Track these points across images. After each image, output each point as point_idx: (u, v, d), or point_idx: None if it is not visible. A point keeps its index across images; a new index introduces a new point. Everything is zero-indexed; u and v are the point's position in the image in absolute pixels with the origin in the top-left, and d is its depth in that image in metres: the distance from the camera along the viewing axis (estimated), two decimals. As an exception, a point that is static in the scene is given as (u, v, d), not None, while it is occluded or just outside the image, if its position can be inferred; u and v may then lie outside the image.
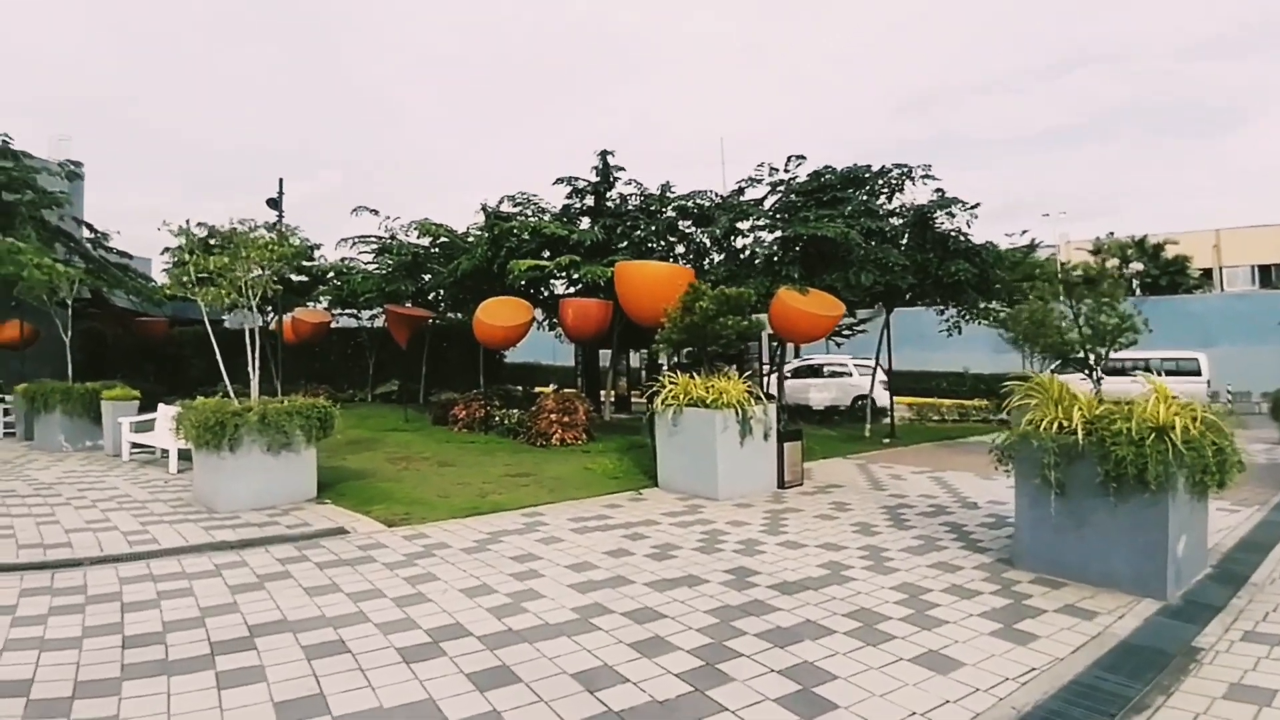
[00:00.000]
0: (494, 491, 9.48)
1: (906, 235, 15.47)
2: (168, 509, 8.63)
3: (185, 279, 9.23)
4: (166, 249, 9.21)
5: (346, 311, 24.49)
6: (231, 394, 9.54)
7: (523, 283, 15.37)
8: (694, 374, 9.55)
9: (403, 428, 16.43)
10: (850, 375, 21.31)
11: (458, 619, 4.88)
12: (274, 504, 8.75)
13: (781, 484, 9.58)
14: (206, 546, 6.89)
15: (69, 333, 15.60)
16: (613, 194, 17.62)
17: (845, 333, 22.64)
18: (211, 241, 9.20)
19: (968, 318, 16.72)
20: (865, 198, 15.42)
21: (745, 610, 5.04)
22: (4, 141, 19.35)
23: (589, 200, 17.69)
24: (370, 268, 21.24)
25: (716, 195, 16.21)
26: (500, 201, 17.31)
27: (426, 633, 4.64)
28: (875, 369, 21.52)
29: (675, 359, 21.95)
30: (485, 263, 15.90)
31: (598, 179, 17.19)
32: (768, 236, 14.94)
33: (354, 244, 21.38)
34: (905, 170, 15.20)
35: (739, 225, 15.61)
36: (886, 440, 14.96)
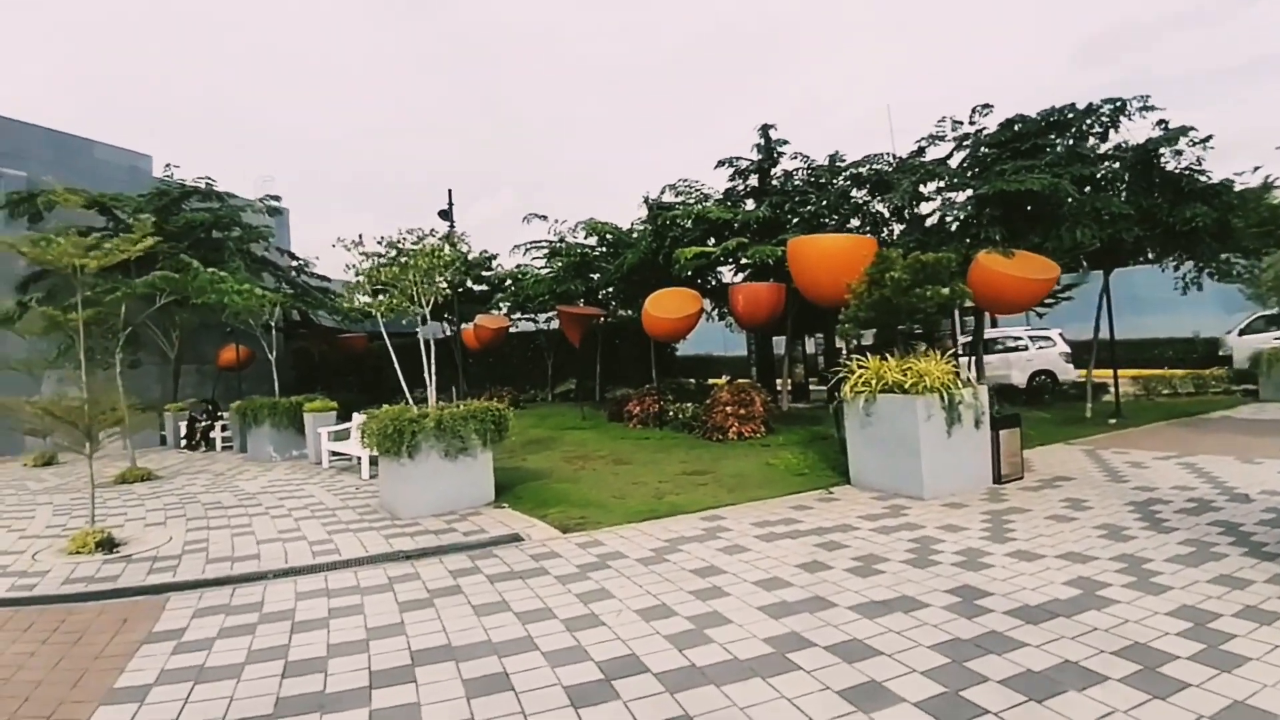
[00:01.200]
0: (671, 492, 8.91)
1: (1126, 180, 13.20)
2: (355, 516, 8.80)
3: (360, 291, 9.41)
4: (348, 266, 9.36)
5: (525, 316, 25.22)
6: (411, 401, 9.64)
7: (689, 272, 14.73)
8: (885, 356, 8.45)
9: (580, 425, 16.39)
10: (1026, 349, 18.92)
11: (633, 648, 4.28)
12: (453, 509, 8.69)
13: (998, 478, 8.25)
14: (382, 557, 6.81)
15: (274, 352, 16.91)
16: (777, 171, 16.57)
17: (1048, 300, 20.09)
18: (383, 252, 9.30)
19: (1209, 272, 14.14)
20: (1071, 142, 13.35)
21: (981, 646, 4.03)
22: (208, 184, 21.44)
23: (753, 180, 16.74)
24: (542, 272, 21.58)
25: (894, 157, 14.71)
26: (662, 192, 16.82)
27: (598, 666, 4.07)
28: (1055, 340, 18.99)
29: (855, 342, 20.59)
30: (650, 255, 15.46)
31: (760, 156, 16.20)
32: (959, 197, 13.27)
33: (527, 250, 21.88)
34: (1118, 104, 12.95)
35: (922, 189, 14.05)
36: (1112, 420, 12.88)
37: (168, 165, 23.89)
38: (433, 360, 9.57)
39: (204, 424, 18.34)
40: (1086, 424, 12.68)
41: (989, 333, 21.39)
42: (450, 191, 13.07)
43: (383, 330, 9.87)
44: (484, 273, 26.12)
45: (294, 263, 25.37)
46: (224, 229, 21.62)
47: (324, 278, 26.15)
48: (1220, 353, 19.38)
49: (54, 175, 19.32)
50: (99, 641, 5.12)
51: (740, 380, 15.10)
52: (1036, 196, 11.76)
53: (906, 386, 7.61)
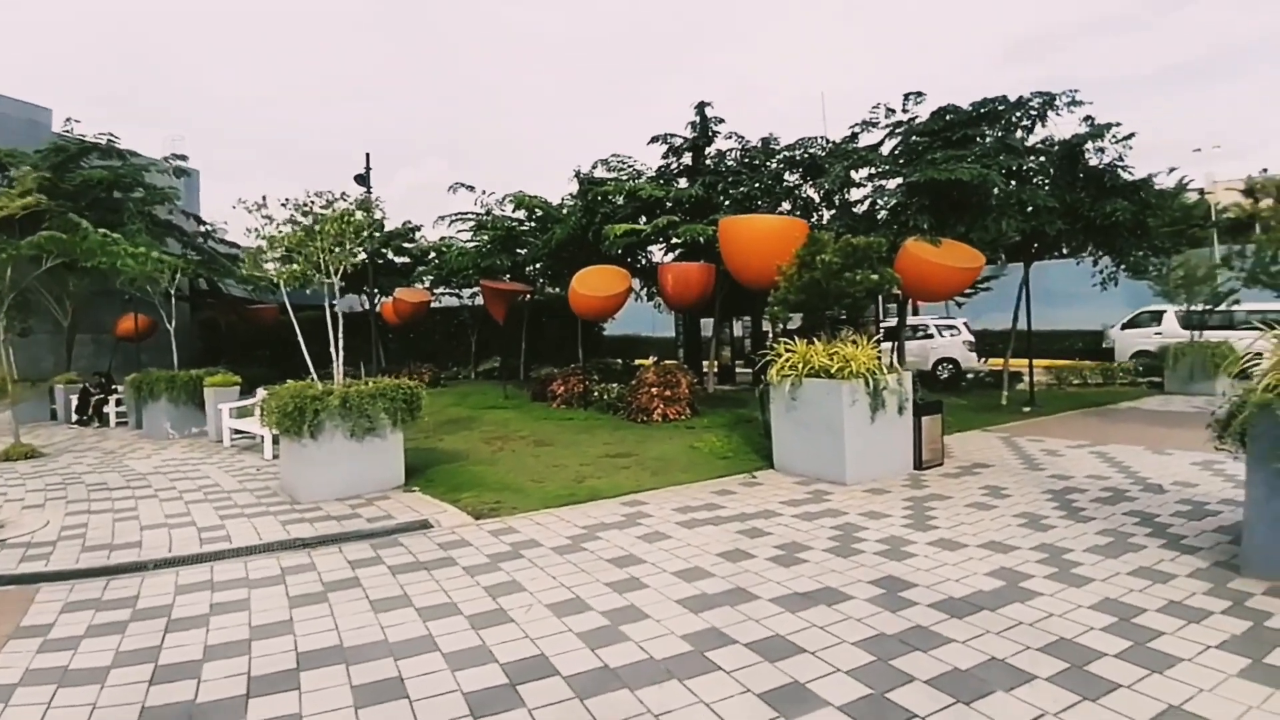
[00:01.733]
0: (592, 475, 8.62)
1: (1051, 174, 13.49)
2: (252, 499, 8.22)
3: (262, 258, 8.74)
4: (249, 230, 8.66)
5: (448, 291, 24.46)
6: (315, 377, 9.04)
7: (619, 250, 14.43)
8: (812, 340, 8.34)
9: (501, 405, 15.93)
10: (931, 336, 19.47)
11: (542, 648, 3.97)
12: (359, 493, 8.19)
13: (919, 464, 8.27)
14: (277, 546, 6.31)
15: (173, 321, 15.82)
16: (712, 150, 16.35)
17: (968, 290, 20.62)
18: (290, 216, 8.63)
19: (1123, 267, 14.66)
20: (1000, 134, 13.54)
21: (906, 642, 3.89)
22: (109, 140, 19.94)
23: (686, 159, 16.47)
24: (468, 245, 20.89)
25: (828, 142, 14.65)
26: (594, 166, 16.38)
27: (503, 669, 3.75)
28: (960, 330, 19.56)
29: (782, 325, 20.67)
30: (579, 231, 15.05)
31: (695, 134, 15.92)
32: (890, 184, 13.31)
33: (451, 222, 21.11)
34: (1047, 98, 13.19)
35: (854, 175, 14.06)
36: (1026, 409, 13.23)
37: (67, 120, 22.11)
38: (339, 334, 9.00)
39: (97, 397, 17.10)
40: (1002, 411, 12.98)
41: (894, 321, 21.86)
42: (368, 156, 12.34)
43: (286, 301, 9.21)
44: (406, 244, 25.20)
45: (201, 228, 23.89)
46: (125, 189, 20.14)
47: (233, 244, 24.68)
48: (1104, 345, 20.24)
49: None
50: None
51: (667, 361, 14.91)
52: (965, 186, 11.85)
53: (833, 371, 7.50)
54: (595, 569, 5.26)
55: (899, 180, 13.15)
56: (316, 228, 8.51)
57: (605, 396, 14.30)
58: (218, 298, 25.76)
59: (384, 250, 25.85)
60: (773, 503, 6.98)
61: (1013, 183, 12.70)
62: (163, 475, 9.97)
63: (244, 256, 9.06)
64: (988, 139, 13.37)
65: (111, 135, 20.22)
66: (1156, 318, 18.94)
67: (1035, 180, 13.35)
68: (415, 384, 8.82)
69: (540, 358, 22.52)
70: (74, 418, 17.33)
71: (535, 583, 5.03)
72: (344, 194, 8.86)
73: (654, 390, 12.61)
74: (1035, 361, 14.84)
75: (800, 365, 7.82)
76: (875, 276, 7.95)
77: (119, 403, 16.66)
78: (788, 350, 8.14)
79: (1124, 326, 19.73)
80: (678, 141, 16.15)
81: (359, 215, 8.72)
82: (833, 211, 15.03)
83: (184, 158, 21.76)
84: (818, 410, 7.72)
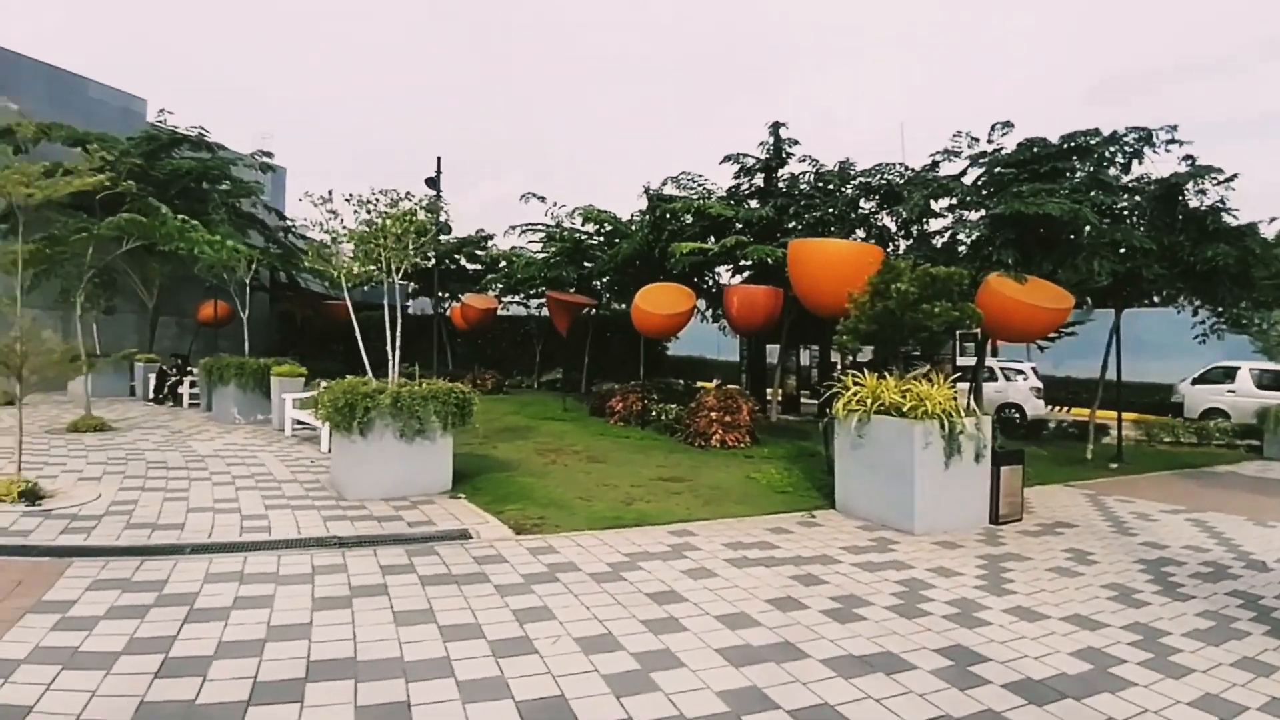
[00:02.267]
0: (641, 498, 8.27)
1: (1147, 214, 12.60)
2: (300, 491, 8.17)
3: (325, 252, 8.74)
4: (312, 223, 8.70)
5: (517, 300, 24.58)
6: (370, 374, 8.99)
7: (685, 269, 14.09)
8: (883, 374, 7.83)
9: (560, 417, 15.75)
10: (995, 379, 18.37)
11: (564, 688, 3.62)
12: (404, 495, 8.04)
13: (995, 518, 7.63)
14: (313, 542, 6.17)
15: (246, 310, 16.21)
16: (784, 173, 15.90)
17: (1052, 335, 19.54)
18: (354, 211, 8.62)
19: (1224, 319, 13.62)
20: (1091, 168, 12.74)
21: (976, 728, 3.41)
22: (200, 133, 20.69)
23: (758, 180, 16.06)
24: (538, 256, 20.93)
25: (907, 169, 14.06)
26: (663, 184, 16.15)
27: (518, 708, 3.41)
28: (1027, 374, 18.38)
29: (851, 357, 19.96)
30: (646, 247, 14.83)
31: (768, 155, 15.51)
32: (972, 216, 12.66)
33: (522, 231, 21.21)
34: (1143, 134, 12.33)
35: (933, 205, 13.44)
36: (1114, 465, 12.28)
37: (161, 110, 23.13)
38: (398, 334, 8.92)
39: (173, 379, 17.64)
40: (1086, 466, 12.07)
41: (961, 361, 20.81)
42: (439, 160, 12.35)
43: (347, 297, 9.19)
44: (478, 251, 25.46)
45: (282, 222, 24.62)
46: (213, 181, 20.90)
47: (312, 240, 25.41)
48: (1173, 399, 18.83)
49: (45, 111, 18.61)
50: None
51: (729, 386, 14.48)
52: (1054, 222, 11.13)
53: (905, 410, 6.97)
54: (633, 603, 4.89)
55: (982, 212, 12.49)
56: (379, 224, 8.47)
57: (664, 417, 13.95)
58: (296, 291, 26.50)
59: (456, 256, 26.23)
60: (832, 547, 6.48)
61: (1106, 221, 11.88)
62: (220, 459, 10.08)
63: (308, 250, 9.08)
64: (1078, 174, 12.60)
65: (203, 129, 21.04)
66: (1230, 374, 17.56)
67: (1130, 220, 12.48)
68: (468, 389, 8.65)
69: (602, 372, 22.33)
70: (150, 396, 17.93)
71: (567, 611, 4.69)
72: (408, 194, 8.81)
73: (713, 415, 12.20)
74: (1124, 415, 13.83)
75: (869, 401, 7.32)
76: (955, 311, 7.40)
77: (193, 385, 17.14)
78: (856, 384, 7.64)
79: (1195, 381, 18.33)
80: (750, 162, 15.78)
81: (422, 215, 8.64)
82: (909, 242, 14.41)
83: (269, 154, 22.46)
84: (886, 451, 7.20)
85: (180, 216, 14.10)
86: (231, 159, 21.26)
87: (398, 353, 8.97)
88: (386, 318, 8.98)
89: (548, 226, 20.05)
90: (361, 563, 5.67)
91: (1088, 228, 11.53)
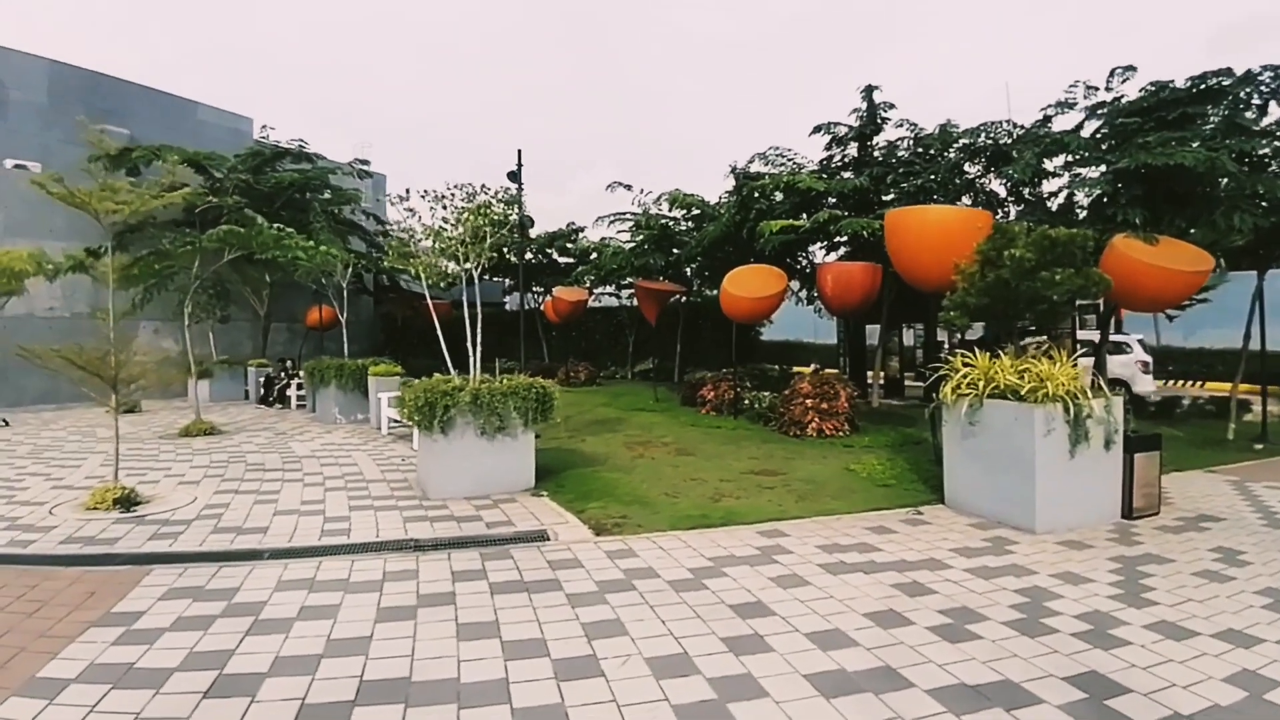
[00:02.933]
0: (731, 494, 7.80)
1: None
2: (386, 491, 8.14)
3: (404, 250, 8.66)
4: (394, 223, 8.64)
5: (608, 291, 24.47)
6: (452, 371, 8.88)
7: (774, 248, 13.42)
8: (995, 353, 7.04)
9: (651, 407, 15.42)
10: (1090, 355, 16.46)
11: (629, 720, 3.24)
12: (487, 493, 7.88)
13: (1128, 513, 6.73)
14: (391, 545, 6.04)
15: (344, 313, 16.63)
16: (880, 140, 14.89)
17: (1183, 302, 17.54)
18: (431, 210, 8.50)
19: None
20: (1226, 112, 11.25)
21: (1125, 784, 2.80)
22: (300, 146, 21.43)
23: (851, 150, 15.09)
24: (625, 245, 20.66)
25: (1016, 126, 12.86)
26: (750, 161, 15.45)
27: (577, 745, 3.06)
28: (1133, 347, 16.39)
29: (959, 335, 18.66)
30: (733, 228, 14.23)
31: (862, 122, 14.54)
32: (1091, 173, 11.41)
33: (611, 222, 20.99)
34: (1281, 71, 10.78)
35: (1046, 164, 12.23)
36: (1259, 446, 10.85)
37: (263, 126, 24.15)
38: (478, 329, 8.75)
39: (280, 382, 18.39)
40: (1228, 448, 10.71)
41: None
42: (519, 152, 12.14)
43: (425, 292, 9.11)
44: (568, 244, 25.45)
45: (381, 227, 25.32)
46: (314, 190, 21.63)
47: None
48: None
49: (157, 134, 19.68)
50: (55, 615, 4.60)
51: (826, 370, 13.73)
52: (1187, 174, 9.83)
53: (1023, 393, 6.19)
54: (713, 617, 4.44)
55: (1103, 168, 11.25)
56: (460, 218, 8.32)
57: (756, 406, 13.38)
58: (398, 292, 27.25)
59: (548, 250, 26.35)
60: (941, 549, 5.82)
61: (1245, 169, 10.44)
62: (316, 459, 10.27)
63: (387, 248, 9.04)
64: (1212, 119, 11.14)
65: (302, 141, 21.78)
66: None
67: (1272, 167, 10.95)
68: (549, 384, 8.39)
69: (696, 360, 21.88)
70: (259, 399, 18.79)
71: (641, 626, 4.30)
72: (483, 186, 8.61)
73: (809, 402, 11.55)
74: (1269, 389, 12.22)
75: (982, 383, 6.57)
76: (1080, 278, 6.51)
77: (299, 387, 17.78)
78: (966, 364, 6.89)
79: None
80: (842, 131, 14.83)
81: (497, 208, 8.42)
82: (1020, 207, 13.22)
83: (366, 162, 23.03)
84: (1002, 439, 6.44)
85: (275, 225, 14.53)
86: (330, 168, 21.93)
87: (479, 349, 8.81)
88: (465, 314, 8.82)
89: (635, 215, 19.75)
90: (434, 568, 5.46)
91: (1225, 179, 10.19)
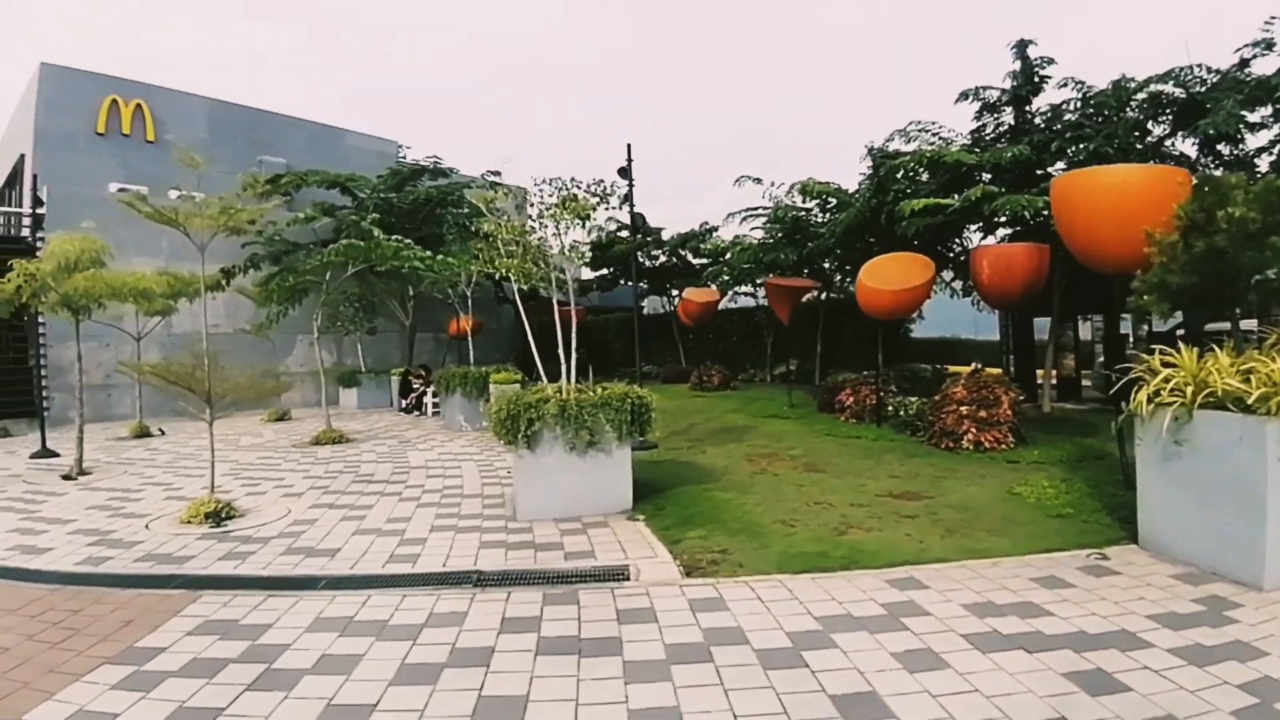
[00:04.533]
0: (859, 524, 6.53)
1: None
2: (476, 509, 7.65)
3: (493, 254, 8.05)
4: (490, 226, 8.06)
5: (745, 291, 23.37)
6: (544, 377, 8.20)
7: (919, 232, 11.79)
8: (1204, 349, 5.38)
9: (784, 414, 14.15)
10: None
11: None
12: (577, 515, 7.09)
13: None
14: (453, 579, 5.43)
15: (469, 320, 16.56)
16: (1040, 104, 12.77)
17: None
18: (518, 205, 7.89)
19: None
20: None
21: None
22: (434, 162, 21.93)
23: (1006, 117, 13.06)
24: (753, 241, 19.42)
25: (1211, 71, 10.54)
26: (889, 139, 13.77)
27: None
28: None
29: (1146, 328, 15.95)
30: (869, 213, 12.70)
31: (1016, 84, 12.50)
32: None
33: (744, 218, 19.80)
34: None
35: (1247, 116, 9.92)
36: None
37: (400, 146, 25.01)
38: (573, 334, 8.00)
39: (417, 389, 18.69)
40: None
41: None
42: (629, 147, 11.28)
43: (516, 299, 8.48)
44: (702, 245, 24.55)
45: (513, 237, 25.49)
46: (451, 205, 22.05)
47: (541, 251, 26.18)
48: None
49: (310, 162, 20.77)
50: (78, 647, 4.30)
51: (988, 370, 11.90)
52: None
53: (1250, 402, 4.57)
54: (806, 712, 3.33)
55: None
56: (546, 213, 7.62)
57: (902, 413, 11.82)
58: (536, 300, 27.42)
59: (681, 251, 25.59)
60: (1135, 615, 4.32)
61: None
62: (425, 470, 10.05)
63: (476, 251, 8.50)
64: None
65: (437, 157, 22.27)
66: None
67: None
68: (645, 393, 7.49)
69: (838, 362, 20.24)
70: (400, 406, 19.23)
71: (712, 714, 3.27)
72: (573, 178, 7.85)
73: (963, 410, 9.92)
74: None
75: (1190, 388, 4.97)
76: None
77: (435, 394, 17.97)
78: (1167, 364, 5.28)
79: None
80: (993, 96, 12.82)
81: (584, 198, 7.63)
82: (1218, 169, 10.88)
83: (497, 174, 23.24)
84: (1219, 462, 4.81)
85: (395, 237, 14.61)
86: (464, 182, 22.27)
87: (574, 356, 8.06)
88: (555, 317, 8.12)
89: (766, 210, 18.46)
90: (485, 611, 4.69)
91: None
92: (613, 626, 4.38)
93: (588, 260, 8.22)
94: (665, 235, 26.31)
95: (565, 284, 8.26)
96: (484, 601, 4.90)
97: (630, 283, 28.21)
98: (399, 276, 17.21)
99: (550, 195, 7.82)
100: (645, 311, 33.22)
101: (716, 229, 24.45)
